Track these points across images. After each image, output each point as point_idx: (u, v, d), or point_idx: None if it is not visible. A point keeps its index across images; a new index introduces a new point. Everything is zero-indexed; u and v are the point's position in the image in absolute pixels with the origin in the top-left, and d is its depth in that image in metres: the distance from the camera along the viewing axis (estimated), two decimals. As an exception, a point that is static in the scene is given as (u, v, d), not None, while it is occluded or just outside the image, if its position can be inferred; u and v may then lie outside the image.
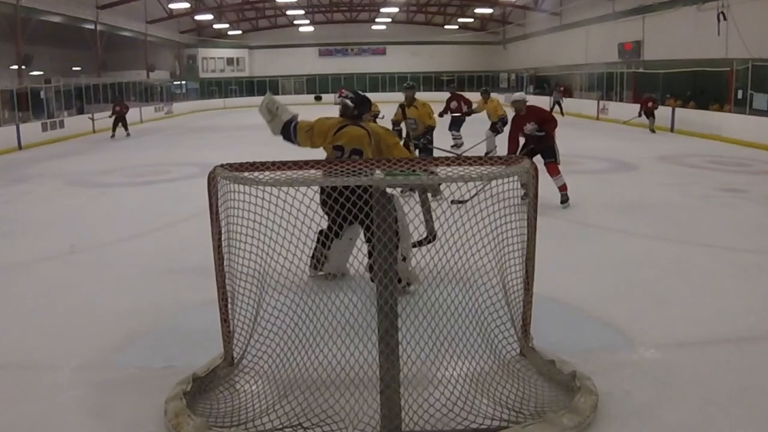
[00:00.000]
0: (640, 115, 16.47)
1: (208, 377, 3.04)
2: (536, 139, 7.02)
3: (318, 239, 4.07)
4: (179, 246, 5.81)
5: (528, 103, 7.19)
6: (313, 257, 4.23)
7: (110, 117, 17.66)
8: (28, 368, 3.39)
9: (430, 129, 8.70)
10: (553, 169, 6.89)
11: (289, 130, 4.36)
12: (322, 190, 3.70)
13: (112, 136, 17.34)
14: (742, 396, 2.94)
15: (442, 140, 12.33)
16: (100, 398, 3.02)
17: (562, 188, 6.99)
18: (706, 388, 3.02)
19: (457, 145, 12.71)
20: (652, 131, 16.09)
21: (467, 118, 12.80)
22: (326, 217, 3.91)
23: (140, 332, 3.83)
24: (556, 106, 22.26)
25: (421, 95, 8.59)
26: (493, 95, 12.45)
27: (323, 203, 3.59)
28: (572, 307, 4.07)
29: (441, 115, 13.04)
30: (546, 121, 7.07)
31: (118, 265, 5.34)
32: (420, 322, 2.92)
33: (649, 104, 16.42)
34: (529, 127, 6.97)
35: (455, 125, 12.98)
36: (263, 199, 2.81)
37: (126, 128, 17.56)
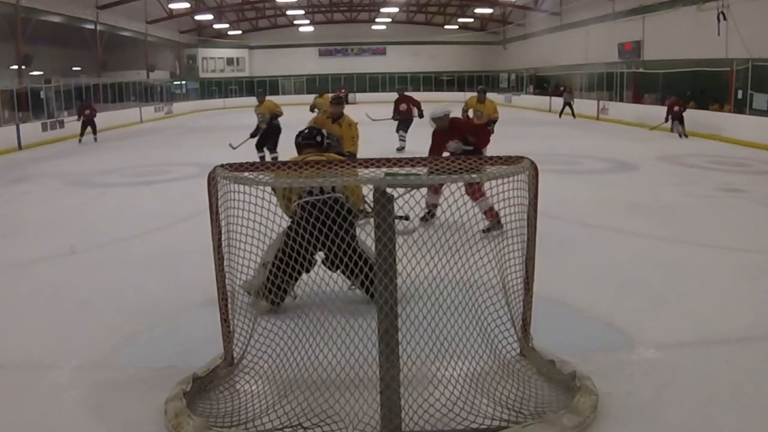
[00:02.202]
0: (666, 121, 15.24)
1: (208, 377, 3.04)
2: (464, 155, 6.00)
3: (280, 267, 3.52)
4: (179, 246, 5.80)
5: (452, 116, 6.24)
6: (269, 290, 3.66)
7: (78, 120, 16.86)
8: (28, 368, 3.39)
9: (352, 156, 7.19)
10: (476, 189, 5.41)
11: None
12: (303, 208, 3.63)
13: (80, 141, 16.36)
14: (742, 396, 2.94)
15: (390, 141, 12.22)
16: (100, 398, 3.02)
17: (489, 214, 5.40)
18: (706, 388, 3.02)
19: (400, 148, 12.40)
20: (685, 136, 14.62)
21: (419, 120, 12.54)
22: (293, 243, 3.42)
23: (140, 332, 3.83)
24: (567, 108, 21.59)
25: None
26: (489, 96, 11.72)
27: (303, 220, 3.44)
28: (572, 307, 4.07)
29: (394, 118, 12.75)
30: (474, 135, 6.18)
31: (118, 265, 5.34)
32: (420, 322, 2.92)
33: (676, 108, 15.00)
34: (453, 145, 5.96)
35: (403, 126, 12.72)
36: (263, 199, 2.81)
37: (95, 132, 16.63)
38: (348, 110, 7.82)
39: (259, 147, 10.58)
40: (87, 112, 16.74)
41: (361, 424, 2.64)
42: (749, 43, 14.40)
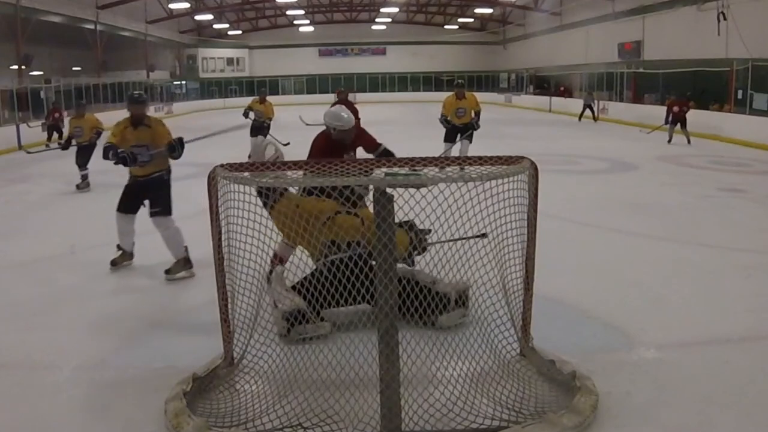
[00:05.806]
0: (667, 123, 13.70)
1: (208, 377, 3.04)
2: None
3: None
4: (179, 246, 5.79)
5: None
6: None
7: (47, 123, 15.30)
8: (28, 368, 3.39)
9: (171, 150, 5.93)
10: None
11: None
12: (330, 269, 3.44)
13: (47, 146, 14.15)
14: (742, 396, 2.94)
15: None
16: (100, 398, 3.02)
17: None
18: (706, 388, 3.02)
19: None
20: (687, 142, 13.31)
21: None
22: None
23: (140, 332, 3.83)
24: (587, 110, 20.43)
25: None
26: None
27: (328, 282, 3.31)
28: (572, 307, 4.07)
29: None
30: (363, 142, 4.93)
31: (118, 265, 5.33)
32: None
33: (675, 108, 13.46)
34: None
35: None
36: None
37: (60, 136, 14.64)
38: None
39: (81, 164, 9.52)
40: (56, 115, 15.30)
41: (361, 424, 2.64)
42: (749, 43, 14.40)
